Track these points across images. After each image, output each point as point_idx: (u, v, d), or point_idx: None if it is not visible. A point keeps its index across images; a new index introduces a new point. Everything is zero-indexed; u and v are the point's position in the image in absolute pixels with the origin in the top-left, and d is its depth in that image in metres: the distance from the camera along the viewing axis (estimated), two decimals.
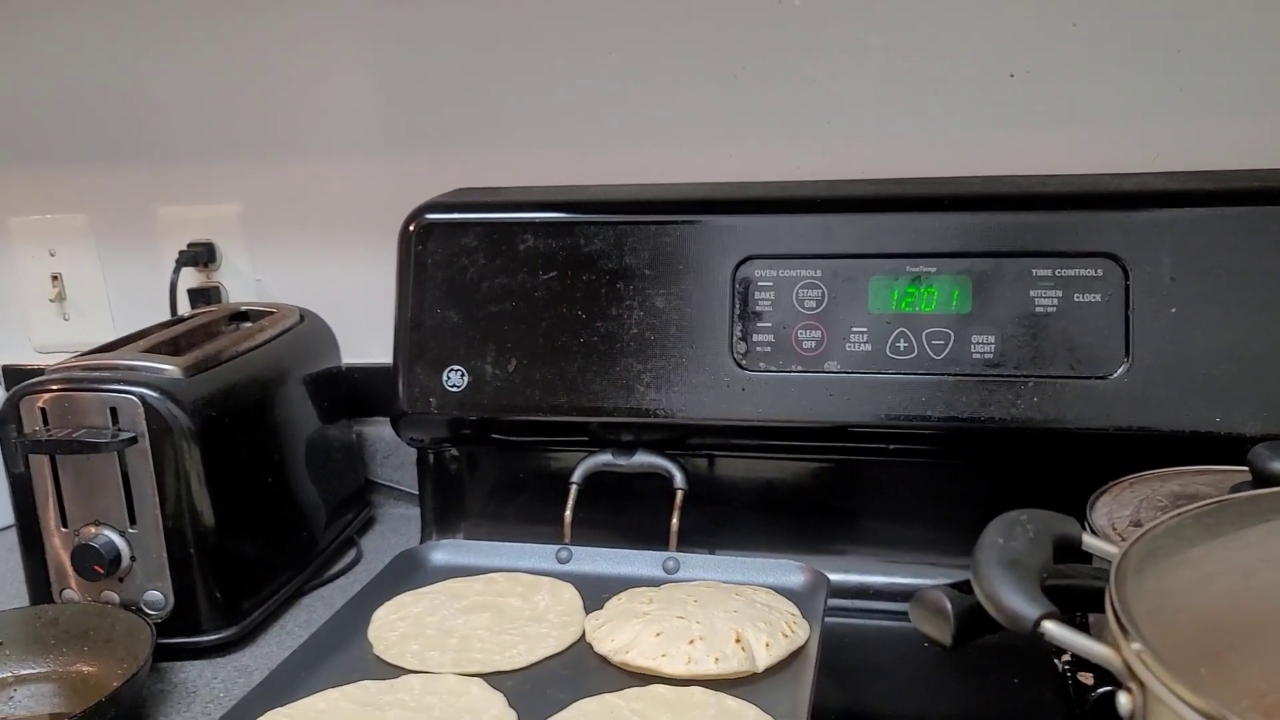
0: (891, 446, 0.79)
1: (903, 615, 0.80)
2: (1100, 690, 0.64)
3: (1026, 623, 0.39)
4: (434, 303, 0.84)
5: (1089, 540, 0.46)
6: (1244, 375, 0.71)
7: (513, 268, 0.83)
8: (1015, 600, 0.40)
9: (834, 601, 0.76)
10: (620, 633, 0.66)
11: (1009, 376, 0.75)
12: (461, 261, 0.84)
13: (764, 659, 0.64)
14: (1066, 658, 0.72)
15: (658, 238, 0.81)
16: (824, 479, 0.84)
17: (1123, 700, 0.38)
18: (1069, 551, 0.47)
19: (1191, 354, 0.72)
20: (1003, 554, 0.42)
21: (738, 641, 0.64)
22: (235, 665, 0.77)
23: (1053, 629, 0.39)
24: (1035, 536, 0.44)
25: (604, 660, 0.66)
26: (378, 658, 0.67)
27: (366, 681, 0.64)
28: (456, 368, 0.84)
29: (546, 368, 0.82)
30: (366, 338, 1.00)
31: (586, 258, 0.82)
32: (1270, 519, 0.42)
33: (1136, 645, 0.36)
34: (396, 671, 0.66)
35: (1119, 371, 0.73)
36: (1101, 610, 0.40)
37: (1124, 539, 0.56)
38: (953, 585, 0.49)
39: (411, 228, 0.86)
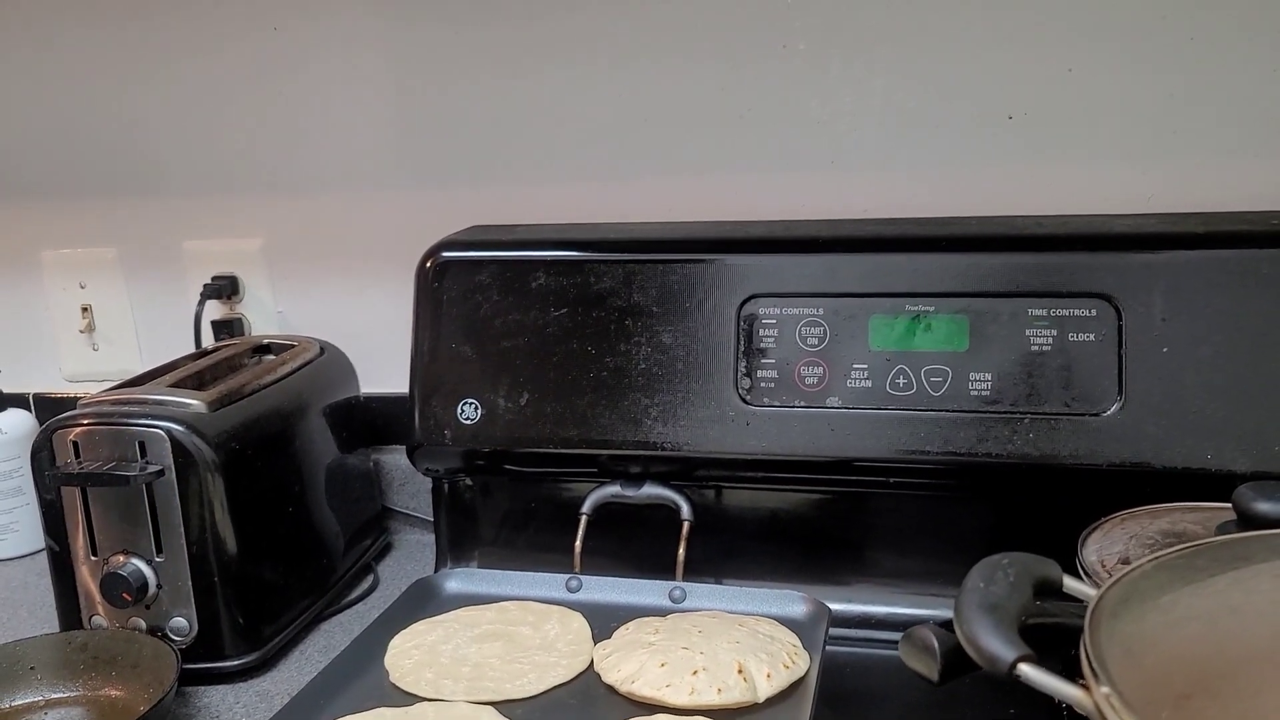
0: (892, 480, 0.82)
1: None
2: None
3: (1003, 665, 0.41)
4: (449, 337, 0.87)
5: (1069, 583, 0.48)
6: (1234, 413, 0.73)
7: (525, 304, 0.86)
8: (993, 643, 0.42)
9: (836, 631, 0.78)
10: (627, 663, 0.69)
11: (1005, 413, 0.77)
12: (476, 298, 0.87)
13: (765, 690, 0.66)
14: None
15: (665, 276, 0.84)
16: (826, 511, 0.86)
17: None
18: (1051, 593, 0.49)
19: (1183, 392, 0.74)
20: (983, 598, 0.44)
21: (740, 672, 0.66)
22: (257, 690, 0.79)
23: (1028, 671, 0.41)
24: (1015, 580, 0.46)
25: (611, 690, 0.68)
26: (394, 685, 0.70)
27: (383, 709, 0.67)
28: (470, 400, 0.86)
29: (557, 401, 0.85)
30: (385, 367, 1.03)
31: (596, 295, 0.85)
32: (1238, 567, 0.44)
33: (1105, 689, 0.39)
34: (412, 699, 0.68)
35: (1112, 409, 0.75)
36: None
37: (1111, 575, 0.58)
38: (941, 624, 0.51)
39: (429, 265, 0.89)
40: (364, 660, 0.73)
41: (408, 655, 0.73)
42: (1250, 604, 0.42)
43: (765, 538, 0.87)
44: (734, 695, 0.65)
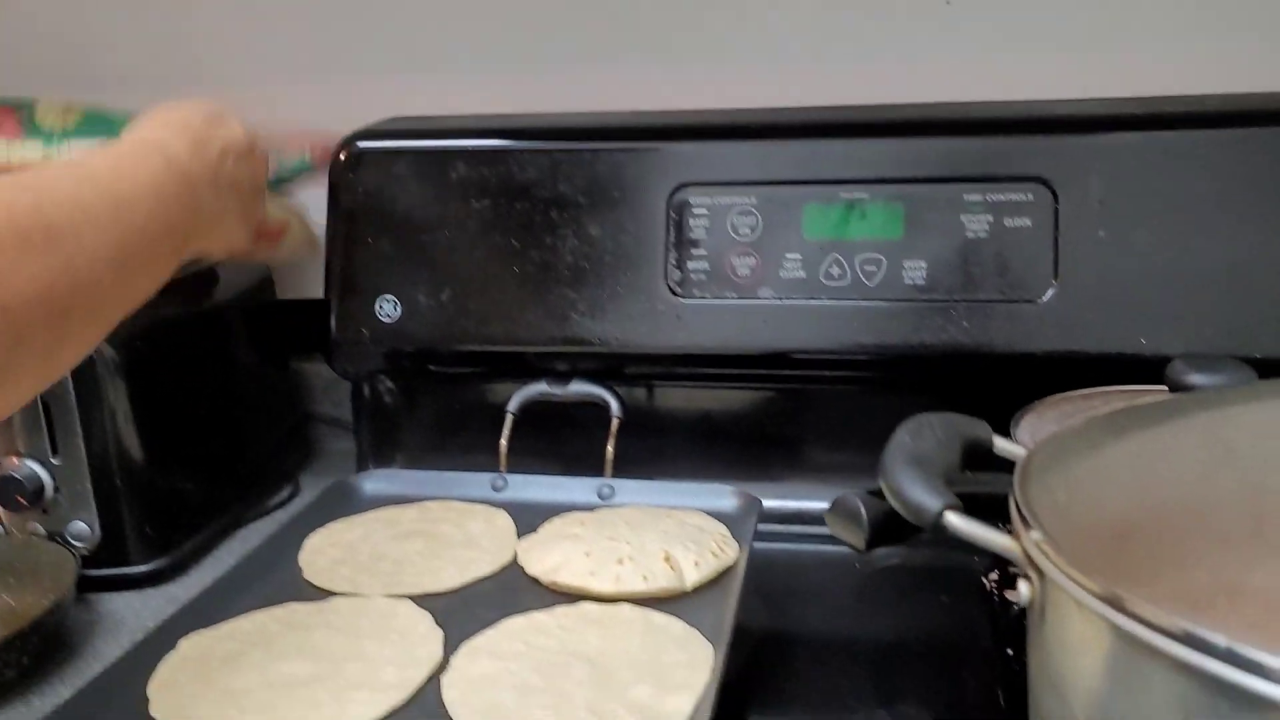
0: (826, 373, 0.80)
1: (836, 539, 0.81)
2: (1021, 604, 0.65)
3: (929, 514, 0.40)
4: (365, 232, 0.83)
5: (1000, 444, 0.47)
6: (1167, 297, 0.72)
7: (445, 196, 0.82)
8: (919, 494, 0.40)
9: (768, 527, 0.77)
10: (550, 554, 0.66)
11: (940, 301, 0.75)
12: (393, 190, 0.83)
13: (692, 578, 0.64)
14: (994, 576, 0.74)
15: (592, 165, 0.80)
16: (759, 406, 0.84)
17: (1022, 589, 0.39)
18: (980, 457, 0.47)
19: (1118, 277, 0.72)
20: (909, 452, 0.43)
21: (666, 560, 0.65)
22: (166, 596, 0.76)
23: (954, 520, 0.39)
24: (943, 437, 0.44)
25: (535, 581, 0.66)
26: (308, 582, 0.67)
27: (294, 604, 0.64)
28: (389, 297, 0.83)
29: (480, 297, 0.81)
30: (304, 271, 0.98)
31: (520, 186, 0.81)
32: (1169, 421, 0.43)
33: (1036, 535, 0.37)
34: (326, 595, 0.65)
35: (1048, 295, 0.73)
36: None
37: None
38: (869, 492, 0.49)
39: (342, 156, 0.84)
40: (277, 558, 0.70)
41: (323, 553, 0.70)
42: (1182, 450, 0.40)
43: (696, 435, 0.85)
44: (660, 583, 0.63)
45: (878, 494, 0.48)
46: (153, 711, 0.54)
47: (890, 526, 0.47)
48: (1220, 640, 0.29)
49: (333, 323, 0.84)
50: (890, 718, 0.59)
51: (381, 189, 0.83)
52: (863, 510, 0.46)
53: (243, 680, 0.56)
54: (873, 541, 0.47)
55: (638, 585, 0.63)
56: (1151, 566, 0.33)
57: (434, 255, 0.82)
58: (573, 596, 0.64)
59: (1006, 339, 0.74)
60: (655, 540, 0.66)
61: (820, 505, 0.82)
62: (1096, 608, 0.33)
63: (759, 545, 0.71)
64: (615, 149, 0.80)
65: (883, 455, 0.43)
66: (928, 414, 0.46)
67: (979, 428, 0.46)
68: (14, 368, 0.41)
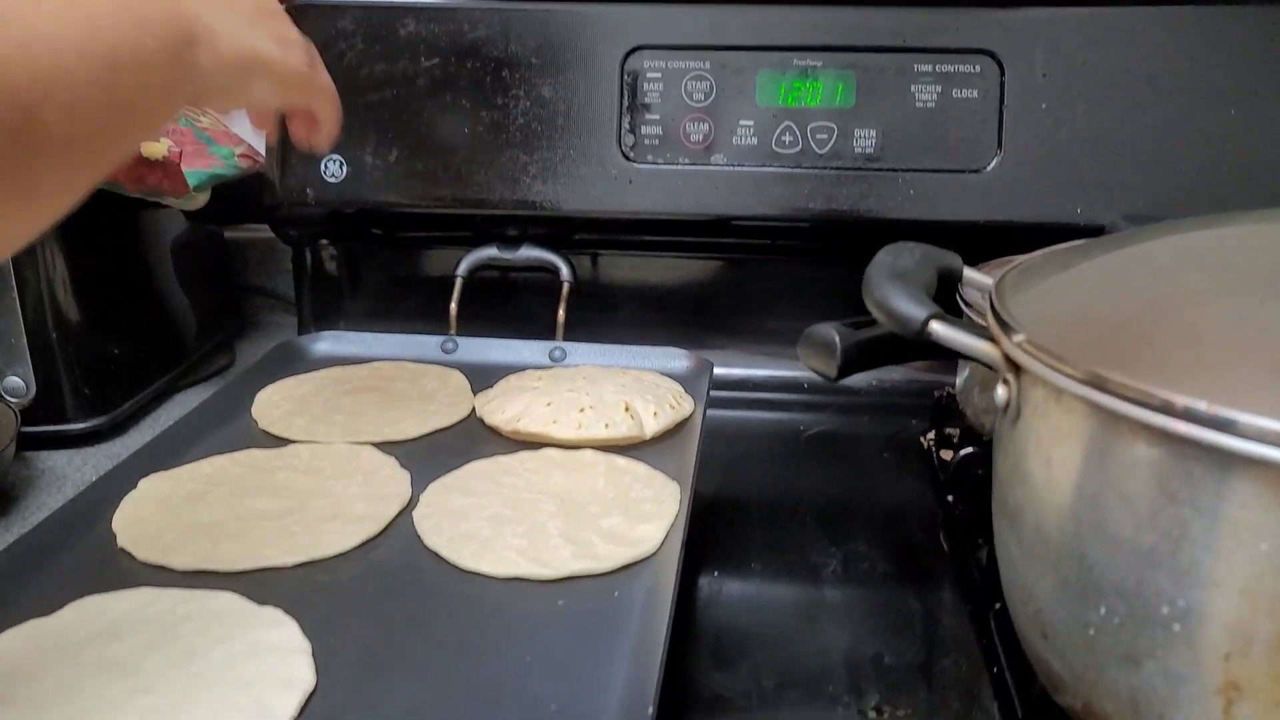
0: (776, 241, 0.82)
1: (782, 405, 0.84)
2: (961, 454, 0.68)
3: (915, 323, 0.41)
4: None
5: (969, 273, 0.49)
6: (1104, 168, 0.75)
7: (393, 54, 0.80)
8: (905, 305, 0.42)
9: (715, 394, 0.79)
10: (511, 405, 0.67)
11: (889, 169, 0.77)
12: (339, 47, 0.81)
13: (652, 427, 0.66)
14: (931, 436, 0.77)
15: (544, 25, 0.79)
16: (708, 275, 0.86)
17: (999, 392, 0.41)
18: (948, 287, 0.49)
19: (1058, 148, 0.75)
20: (892, 268, 0.44)
21: (626, 410, 0.66)
22: (106, 454, 0.75)
23: (939, 328, 0.41)
24: (921, 259, 0.46)
25: (495, 432, 0.67)
26: (264, 431, 0.67)
27: (254, 450, 0.63)
28: (335, 157, 0.81)
29: (429, 158, 0.80)
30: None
31: (471, 45, 0.80)
32: (1135, 243, 0.45)
33: (1019, 336, 0.39)
34: (283, 443, 0.65)
35: (991, 165, 0.76)
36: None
37: None
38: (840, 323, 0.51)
39: (285, 10, 0.81)
40: (228, 411, 0.69)
41: (276, 405, 0.69)
42: (1148, 262, 0.43)
43: (646, 304, 0.86)
44: (621, 430, 0.65)
45: (847, 325, 0.50)
46: (121, 544, 0.53)
47: (860, 354, 0.48)
48: (1200, 405, 0.32)
49: (276, 182, 0.82)
50: (842, 556, 0.62)
51: (327, 45, 0.80)
52: (835, 338, 0.48)
53: (209, 515, 0.55)
54: (844, 370, 0.49)
55: (599, 432, 0.64)
56: (1127, 356, 0.36)
57: (382, 115, 0.80)
58: (534, 446, 0.65)
59: (951, 208, 0.76)
60: (614, 392, 0.68)
61: (766, 373, 0.86)
62: (1078, 391, 0.36)
63: (708, 399, 0.72)
64: (568, 9, 0.79)
65: (866, 271, 0.45)
66: (904, 241, 0.47)
67: (950, 258, 0.48)
68: None
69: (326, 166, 0.81)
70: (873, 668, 0.52)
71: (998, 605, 0.56)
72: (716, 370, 0.78)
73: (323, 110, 0.60)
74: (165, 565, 0.51)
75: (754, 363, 0.85)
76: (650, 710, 0.40)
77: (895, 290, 0.43)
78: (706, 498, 0.68)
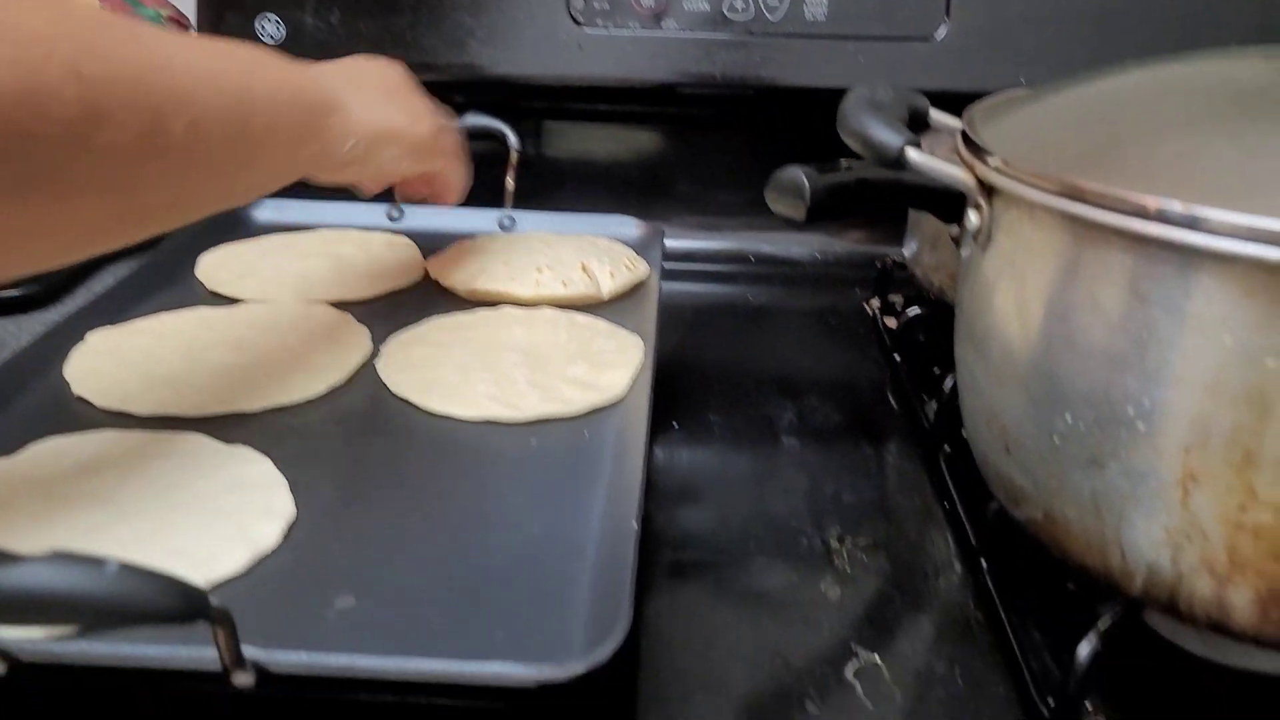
0: (726, 111, 0.82)
1: (729, 277, 0.85)
2: (910, 313, 0.70)
3: (893, 150, 0.42)
4: None
5: (935, 114, 0.50)
6: (1050, 37, 0.76)
7: None
8: (882, 132, 0.43)
9: (664, 265, 0.79)
10: (467, 265, 0.67)
11: (838, 37, 0.77)
12: None
13: (609, 286, 0.66)
14: (876, 303, 0.79)
15: None
16: (658, 146, 0.86)
17: (971, 218, 0.42)
18: (919, 126, 0.50)
19: (1004, 16, 0.76)
20: (868, 100, 0.45)
21: (583, 270, 0.66)
22: (41, 320, 0.72)
23: (915, 155, 0.42)
24: (895, 96, 0.47)
25: (450, 293, 0.66)
26: (213, 292, 0.65)
27: (203, 308, 0.62)
28: (271, 17, 0.78)
29: (372, 20, 0.78)
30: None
31: None
32: (1113, 76, 0.46)
33: (994, 160, 0.40)
34: (234, 303, 0.64)
35: (939, 32, 0.76)
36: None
37: None
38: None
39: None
40: (172, 272, 0.67)
41: (223, 267, 0.68)
42: (1127, 90, 0.44)
43: (594, 175, 0.86)
44: (579, 289, 0.65)
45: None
46: (78, 392, 0.52)
47: (829, 197, 0.49)
48: (1173, 205, 0.33)
49: None
50: (797, 409, 0.64)
51: None
52: (804, 180, 0.48)
53: (166, 367, 0.54)
54: (813, 213, 0.49)
55: (557, 290, 0.64)
56: (1100, 171, 0.37)
57: None
58: (491, 304, 0.65)
59: (900, 75, 0.77)
60: (570, 254, 0.68)
61: (711, 245, 0.86)
62: (1053, 204, 0.37)
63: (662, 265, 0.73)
64: None
65: (843, 104, 0.45)
66: (876, 82, 0.48)
67: (919, 99, 0.49)
68: (87, 163, 0.35)
69: (263, 27, 0.78)
70: (832, 504, 0.54)
71: (948, 448, 0.58)
72: (667, 243, 0.78)
73: (448, 174, 0.65)
74: (127, 411, 0.50)
75: (703, 235, 0.85)
76: (634, 525, 0.41)
77: (872, 119, 0.43)
78: (662, 358, 0.69)
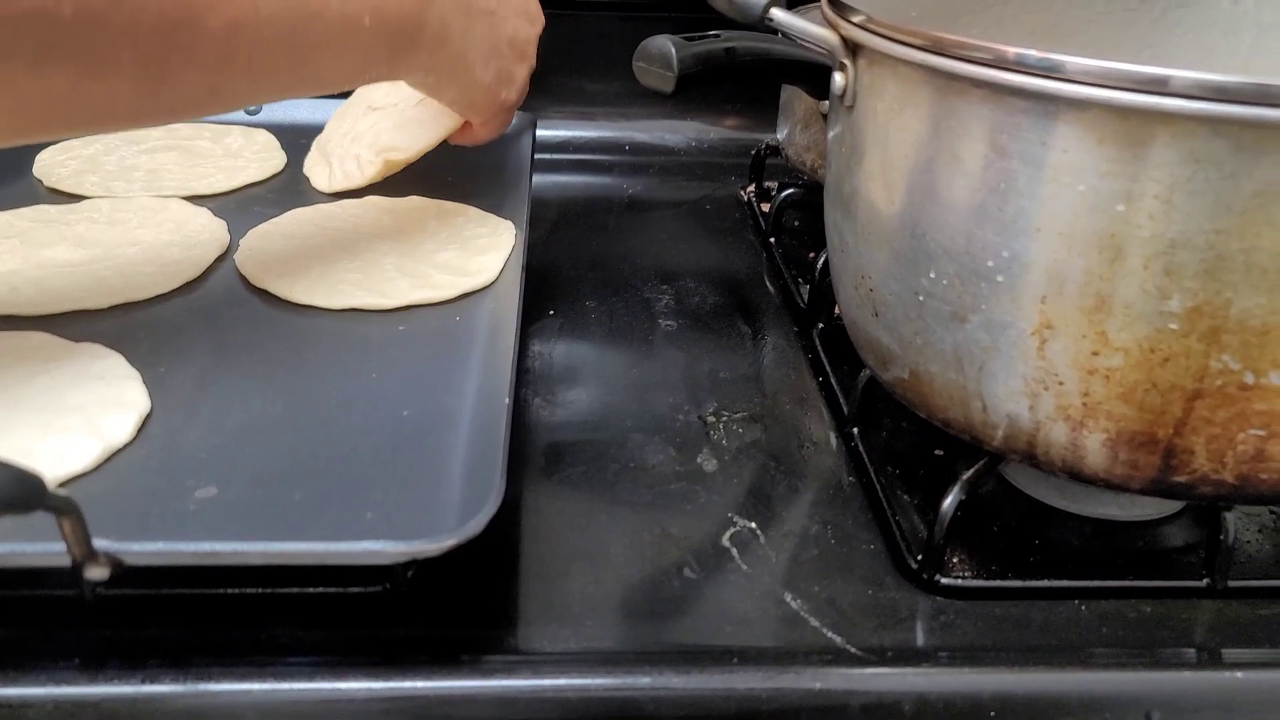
0: None
1: (603, 167, 0.83)
2: (784, 195, 0.71)
3: (756, 10, 0.42)
4: None
5: None
6: None
7: None
8: None
9: (539, 156, 0.77)
10: (357, 132, 0.63)
11: None
12: None
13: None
14: (751, 189, 0.79)
15: None
16: None
17: (836, 80, 0.42)
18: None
19: None
20: None
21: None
22: None
23: (779, 14, 0.41)
24: None
25: (312, 186, 0.64)
26: (51, 189, 0.61)
27: (45, 206, 0.58)
28: None
29: None
30: None
31: None
32: None
33: (858, 16, 0.40)
34: (77, 200, 0.60)
35: None
36: None
37: None
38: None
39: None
40: (3, 168, 0.63)
41: (62, 164, 0.64)
42: None
43: None
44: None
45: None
46: None
47: (697, 67, 0.48)
48: (1029, 52, 0.34)
49: None
50: (674, 292, 0.63)
51: None
52: (672, 49, 0.47)
53: (2, 265, 0.51)
54: (682, 82, 0.48)
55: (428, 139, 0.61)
56: (962, 23, 0.37)
57: None
58: (354, 195, 0.62)
59: None
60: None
61: (585, 134, 0.85)
62: (914, 58, 0.37)
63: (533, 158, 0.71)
64: None
65: None
66: None
67: None
68: (104, 43, 0.35)
69: None
70: (709, 381, 0.54)
71: (821, 326, 0.59)
72: (539, 133, 0.77)
73: (489, 128, 0.61)
74: None
75: (574, 123, 0.83)
76: (506, 400, 0.40)
77: None
78: (538, 248, 0.68)
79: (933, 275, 0.39)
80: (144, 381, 0.42)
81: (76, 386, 0.41)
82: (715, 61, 0.49)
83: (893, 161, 0.40)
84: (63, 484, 0.36)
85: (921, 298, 0.40)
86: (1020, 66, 0.34)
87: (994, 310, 0.38)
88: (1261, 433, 0.36)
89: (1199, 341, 0.35)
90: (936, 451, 0.49)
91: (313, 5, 0.42)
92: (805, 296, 0.62)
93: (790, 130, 0.69)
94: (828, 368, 0.55)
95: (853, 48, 0.41)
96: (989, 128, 0.36)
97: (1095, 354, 0.36)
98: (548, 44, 0.83)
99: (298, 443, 0.40)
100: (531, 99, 0.83)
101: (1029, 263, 0.36)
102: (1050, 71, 0.33)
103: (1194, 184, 0.33)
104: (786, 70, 0.50)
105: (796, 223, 0.74)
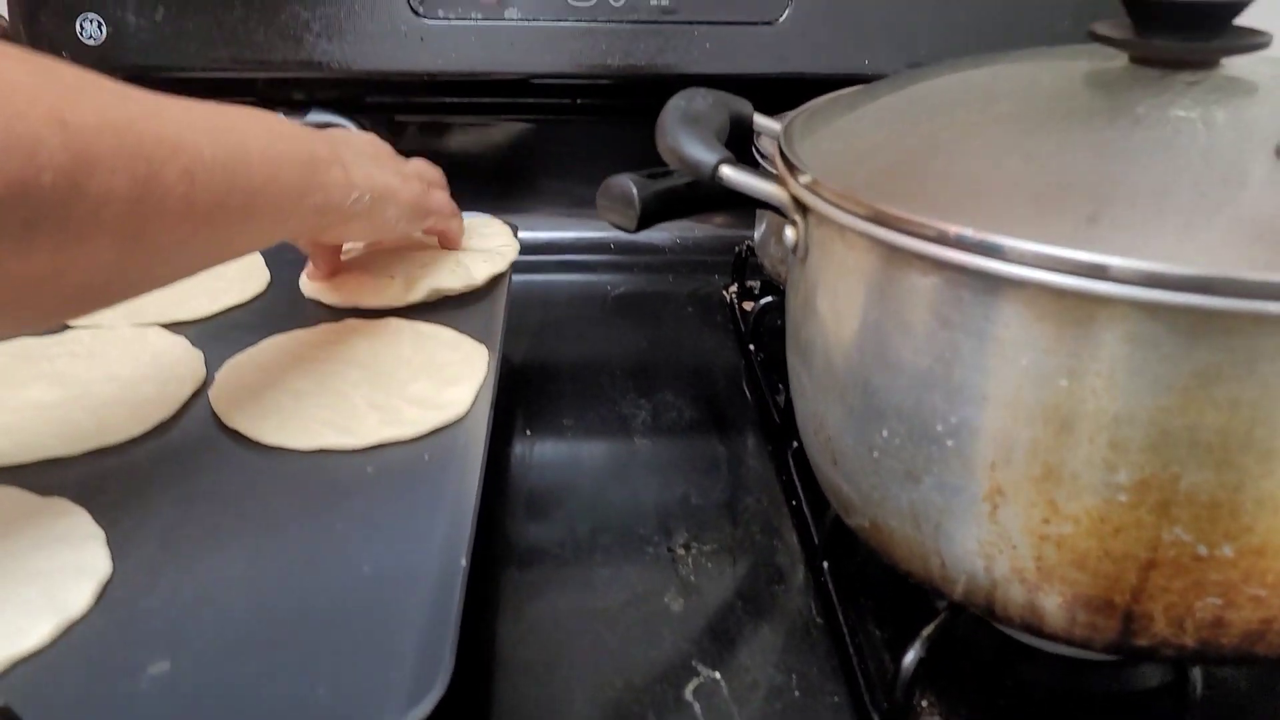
0: (576, 101, 0.80)
1: (588, 267, 0.84)
2: (761, 303, 0.71)
3: (706, 168, 0.42)
4: None
5: (759, 120, 0.49)
6: (890, 18, 0.77)
7: None
8: (697, 150, 0.42)
9: (522, 258, 0.78)
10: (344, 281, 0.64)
11: (683, 23, 0.76)
12: None
13: (484, 272, 0.65)
14: (733, 289, 0.79)
15: None
16: (509, 137, 0.84)
17: (788, 234, 0.42)
18: (740, 135, 0.50)
19: (844, 2, 0.76)
20: (684, 113, 0.44)
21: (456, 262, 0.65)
22: None
23: (729, 172, 0.42)
24: (713, 103, 0.46)
25: (294, 303, 0.64)
26: None
27: (24, 339, 0.59)
28: (91, 16, 0.74)
29: (200, 16, 0.74)
30: None
31: None
32: (917, 81, 0.46)
33: (805, 177, 0.40)
34: (60, 330, 0.61)
35: (783, 17, 0.76)
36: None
37: None
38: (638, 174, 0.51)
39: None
40: None
41: None
42: (934, 96, 0.44)
43: (446, 169, 0.83)
44: (456, 283, 0.64)
45: (645, 176, 0.50)
46: None
47: (659, 205, 0.49)
48: (967, 232, 0.34)
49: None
50: (651, 407, 0.64)
51: None
52: (633, 189, 0.48)
53: None
54: (643, 220, 0.49)
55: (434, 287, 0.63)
56: (905, 192, 0.37)
57: None
58: (334, 316, 0.63)
59: (747, 60, 0.77)
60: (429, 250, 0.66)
61: (569, 235, 0.86)
62: (859, 227, 0.37)
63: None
64: None
65: (660, 118, 0.45)
66: (697, 87, 0.47)
67: (742, 104, 0.49)
68: (85, 209, 0.36)
69: (83, 28, 0.74)
70: (681, 508, 0.54)
71: (795, 444, 0.59)
72: (522, 234, 0.77)
73: (447, 228, 0.67)
74: None
75: (559, 225, 0.84)
76: (463, 562, 0.40)
77: (687, 135, 0.43)
78: (517, 362, 0.69)
79: (885, 434, 0.39)
80: (108, 540, 0.43)
81: (38, 550, 0.41)
82: (677, 196, 0.50)
83: (843, 319, 0.40)
84: (14, 663, 0.37)
85: (876, 454, 0.40)
86: (960, 244, 0.34)
87: (945, 474, 0.37)
88: (1218, 601, 0.35)
89: (1149, 513, 0.34)
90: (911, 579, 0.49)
91: (243, 143, 0.45)
92: (782, 403, 0.62)
93: (765, 240, 0.69)
94: (800, 492, 0.55)
95: (802, 205, 0.41)
96: (932, 298, 0.36)
97: (1046, 521, 0.36)
98: (533, 149, 0.85)
99: (256, 608, 0.40)
100: (517, 202, 0.84)
101: (977, 430, 0.36)
102: (989, 252, 0.33)
103: (1133, 363, 0.33)
104: (749, 202, 0.51)
105: (779, 321, 0.74)
